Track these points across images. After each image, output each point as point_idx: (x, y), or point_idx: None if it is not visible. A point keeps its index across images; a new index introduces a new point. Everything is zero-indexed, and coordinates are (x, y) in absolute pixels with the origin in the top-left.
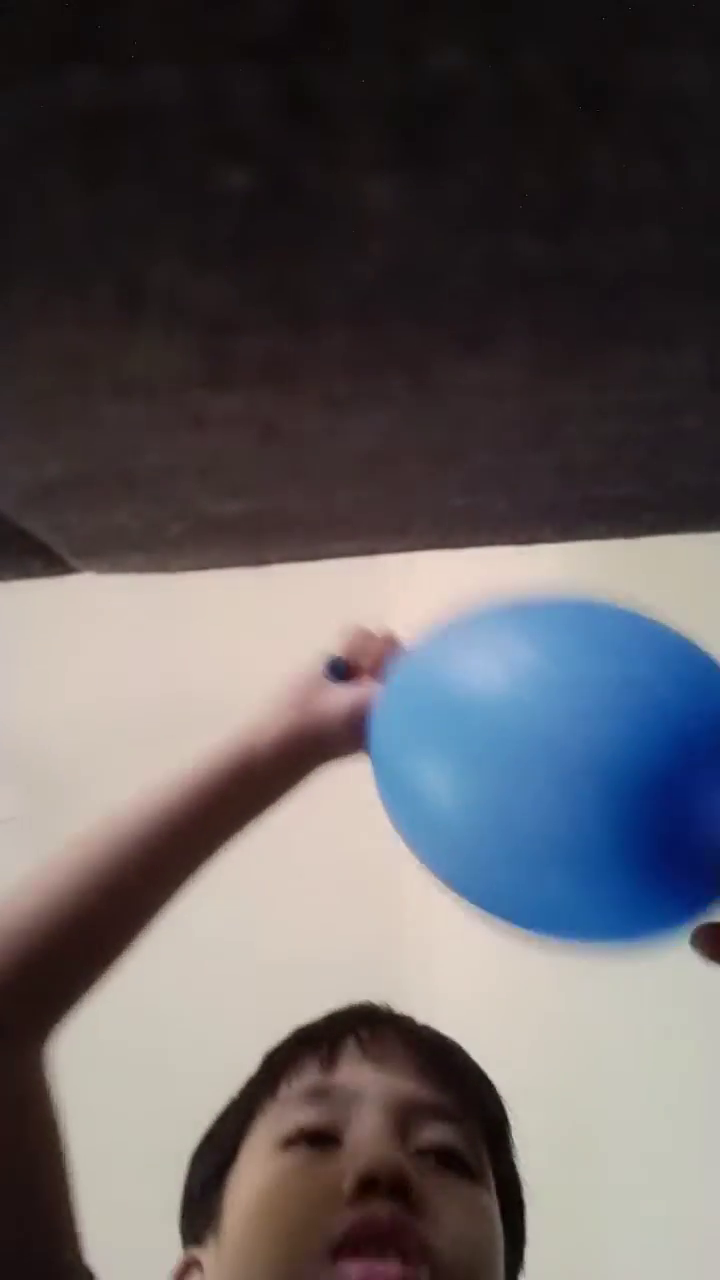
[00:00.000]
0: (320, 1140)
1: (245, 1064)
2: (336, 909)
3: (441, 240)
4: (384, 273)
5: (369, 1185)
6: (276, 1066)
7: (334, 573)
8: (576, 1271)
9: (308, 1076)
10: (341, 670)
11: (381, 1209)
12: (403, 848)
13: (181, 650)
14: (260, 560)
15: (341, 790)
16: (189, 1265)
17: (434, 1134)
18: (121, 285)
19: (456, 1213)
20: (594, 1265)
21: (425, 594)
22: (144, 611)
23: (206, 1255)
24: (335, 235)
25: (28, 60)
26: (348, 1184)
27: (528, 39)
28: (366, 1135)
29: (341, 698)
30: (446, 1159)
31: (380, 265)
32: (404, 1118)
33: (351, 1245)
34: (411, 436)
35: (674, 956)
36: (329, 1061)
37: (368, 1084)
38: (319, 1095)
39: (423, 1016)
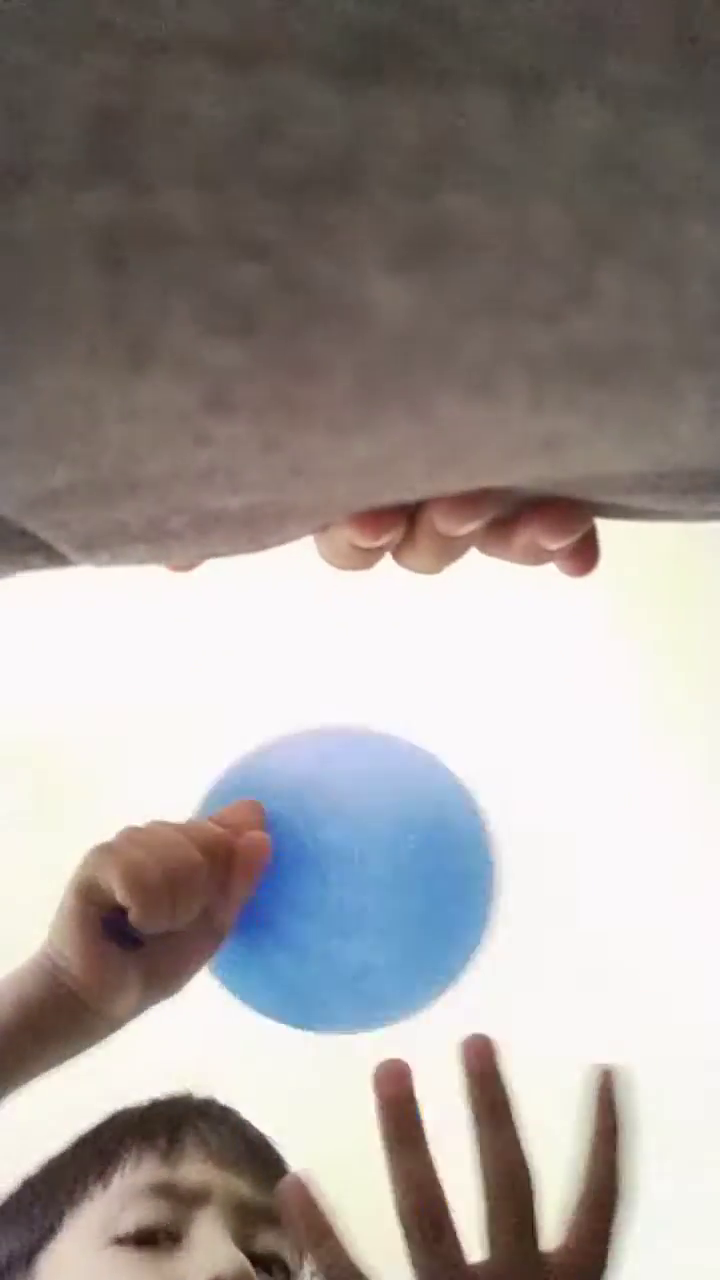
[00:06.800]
0: (153, 1239)
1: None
2: None
3: (449, 327)
4: (390, 345)
5: None
6: (108, 1154)
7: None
8: None
9: (147, 1169)
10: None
11: None
12: None
13: (185, 643)
14: (262, 545)
15: None
16: None
17: (269, 1241)
18: (132, 347)
19: None
20: None
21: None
22: (147, 604)
23: None
24: (342, 320)
25: (56, 175)
26: None
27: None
28: (212, 1238)
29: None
30: (271, 1267)
31: (386, 340)
32: (244, 1222)
33: None
34: (413, 452)
35: None
36: (170, 1155)
37: (213, 1183)
38: (162, 1192)
39: None
